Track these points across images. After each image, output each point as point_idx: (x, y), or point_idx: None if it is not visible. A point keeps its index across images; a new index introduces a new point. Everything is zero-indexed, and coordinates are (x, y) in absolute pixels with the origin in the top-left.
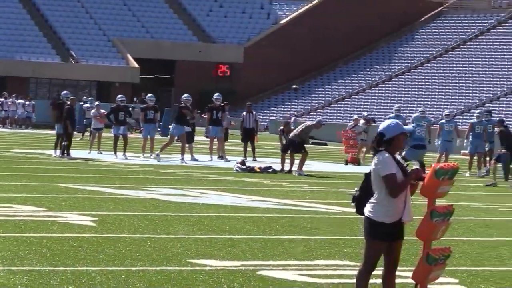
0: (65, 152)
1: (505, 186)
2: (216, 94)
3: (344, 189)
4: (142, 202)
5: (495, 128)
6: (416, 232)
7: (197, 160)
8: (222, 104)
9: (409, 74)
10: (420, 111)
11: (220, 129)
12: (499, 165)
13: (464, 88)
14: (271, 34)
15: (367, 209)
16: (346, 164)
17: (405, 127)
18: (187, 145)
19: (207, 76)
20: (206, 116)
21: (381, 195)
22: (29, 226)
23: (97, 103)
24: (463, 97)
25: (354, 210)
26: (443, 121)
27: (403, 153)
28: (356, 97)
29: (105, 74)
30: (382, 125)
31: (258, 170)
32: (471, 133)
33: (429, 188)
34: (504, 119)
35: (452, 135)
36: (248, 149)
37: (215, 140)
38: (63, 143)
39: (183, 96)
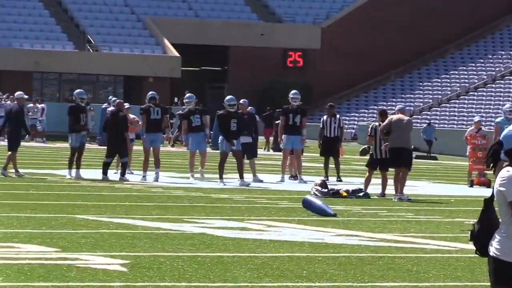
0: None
1: None
2: (293, 92)
3: (463, 219)
4: (188, 239)
5: None
6: None
7: (262, 181)
8: (302, 107)
9: None
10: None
11: (300, 140)
12: None
13: None
14: (357, 11)
15: (493, 245)
16: (471, 185)
17: None
18: (246, 161)
19: (272, 67)
20: (279, 122)
21: (511, 227)
22: (37, 273)
23: (126, 105)
24: None
25: (474, 249)
26: None
27: None
28: (475, 93)
29: (135, 66)
30: (505, 131)
31: (345, 194)
32: None
33: None
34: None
35: None
36: (330, 165)
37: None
38: (121, 161)
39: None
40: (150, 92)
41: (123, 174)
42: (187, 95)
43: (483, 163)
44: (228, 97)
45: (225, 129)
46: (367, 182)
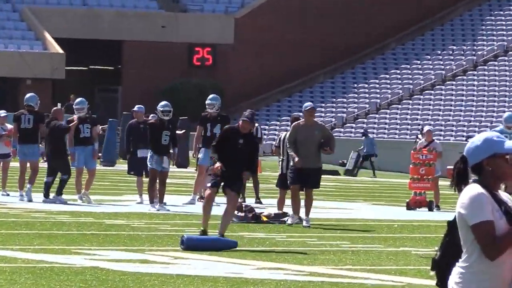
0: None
1: None
2: (210, 96)
3: (409, 248)
4: (79, 274)
5: None
6: None
7: (165, 203)
8: (224, 114)
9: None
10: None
11: None
12: None
13: None
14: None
15: (453, 279)
16: (408, 208)
17: (511, 143)
18: (146, 179)
19: (175, 66)
20: (182, 131)
21: (473, 256)
22: None
23: (2, 113)
24: None
25: (434, 282)
26: None
27: None
28: (421, 96)
29: (10, 65)
30: (468, 144)
31: (266, 219)
32: None
33: None
34: None
35: None
36: (247, 184)
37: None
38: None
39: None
40: (28, 95)
41: (58, 193)
42: (78, 100)
43: (425, 181)
44: (163, 102)
45: (155, 142)
46: (281, 204)
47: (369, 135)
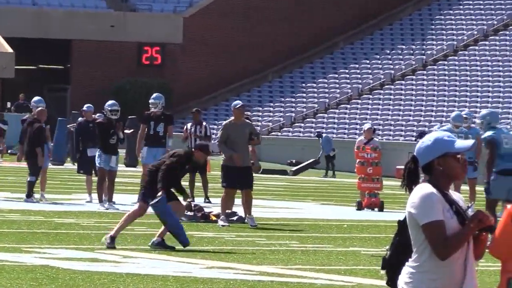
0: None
1: None
2: (155, 95)
3: (359, 248)
4: (29, 272)
5: None
6: None
7: (114, 202)
8: (168, 113)
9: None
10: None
11: (163, 152)
12: None
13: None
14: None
15: (402, 278)
16: (359, 208)
17: (461, 142)
18: (95, 178)
19: (124, 65)
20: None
21: (423, 255)
22: None
23: None
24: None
25: (384, 281)
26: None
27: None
28: (370, 96)
29: None
30: (418, 144)
31: (215, 218)
32: None
33: (504, 244)
34: None
35: None
36: (196, 183)
37: None
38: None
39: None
40: None
41: (28, 195)
42: (36, 99)
43: (374, 181)
44: (110, 102)
45: (103, 141)
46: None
47: (323, 134)
